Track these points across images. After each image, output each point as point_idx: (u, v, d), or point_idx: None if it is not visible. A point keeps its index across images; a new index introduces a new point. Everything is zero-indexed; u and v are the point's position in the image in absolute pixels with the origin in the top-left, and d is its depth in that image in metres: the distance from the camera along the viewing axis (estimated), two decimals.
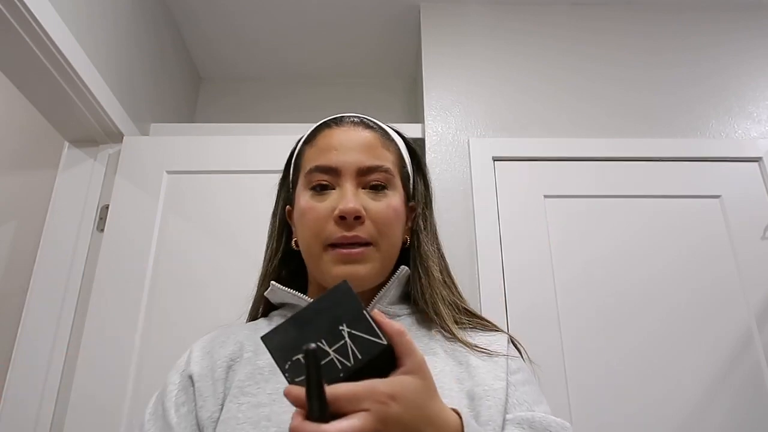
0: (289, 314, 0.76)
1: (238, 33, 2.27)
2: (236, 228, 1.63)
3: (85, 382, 1.43)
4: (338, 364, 0.45)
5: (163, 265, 1.58)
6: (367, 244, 0.70)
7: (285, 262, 0.80)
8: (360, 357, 0.45)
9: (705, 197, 1.75)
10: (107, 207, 1.64)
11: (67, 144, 1.72)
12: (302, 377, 0.43)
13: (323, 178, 0.72)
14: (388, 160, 0.75)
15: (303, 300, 0.73)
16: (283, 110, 2.41)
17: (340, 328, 0.46)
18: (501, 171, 1.78)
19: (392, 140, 0.79)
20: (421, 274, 0.75)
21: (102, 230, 1.61)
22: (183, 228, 1.63)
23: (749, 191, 1.76)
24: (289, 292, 0.74)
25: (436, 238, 0.81)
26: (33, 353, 1.47)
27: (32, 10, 1.23)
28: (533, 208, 1.72)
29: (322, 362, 0.44)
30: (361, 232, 0.69)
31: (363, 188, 0.72)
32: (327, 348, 0.45)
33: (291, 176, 0.81)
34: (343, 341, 0.45)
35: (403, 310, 0.76)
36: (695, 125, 1.91)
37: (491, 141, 1.84)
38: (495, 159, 1.79)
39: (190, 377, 0.68)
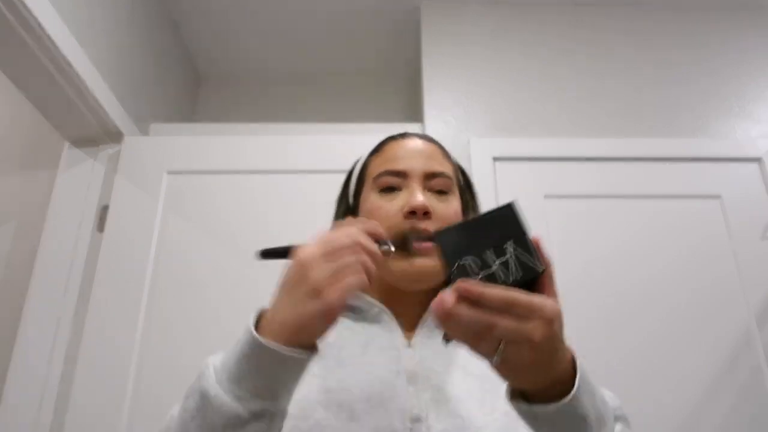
0: (348, 313, 0.77)
1: (238, 33, 2.27)
2: (236, 228, 1.63)
3: (85, 382, 1.43)
4: (499, 276, 0.48)
5: (163, 266, 1.58)
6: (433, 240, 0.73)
7: None
8: (521, 275, 0.48)
9: (705, 197, 1.75)
10: (107, 207, 1.64)
11: (67, 144, 1.71)
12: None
13: (392, 181, 0.77)
14: (449, 170, 0.80)
15: (366, 302, 0.75)
16: (283, 110, 2.41)
17: (506, 245, 0.49)
18: (501, 171, 1.78)
19: (449, 156, 0.84)
20: None
21: (102, 230, 1.61)
22: (183, 228, 1.63)
23: (749, 191, 1.76)
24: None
25: None
26: (33, 353, 1.47)
27: (32, 11, 1.23)
28: (533, 208, 1.72)
29: (488, 272, 0.48)
30: (430, 226, 0.72)
31: (429, 191, 0.76)
32: (494, 258, 0.48)
33: (354, 188, 0.84)
34: (506, 257, 0.49)
35: None
36: (695, 125, 1.91)
37: (491, 141, 1.83)
38: (495, 159, 1.79)
39: None
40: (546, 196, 1.74)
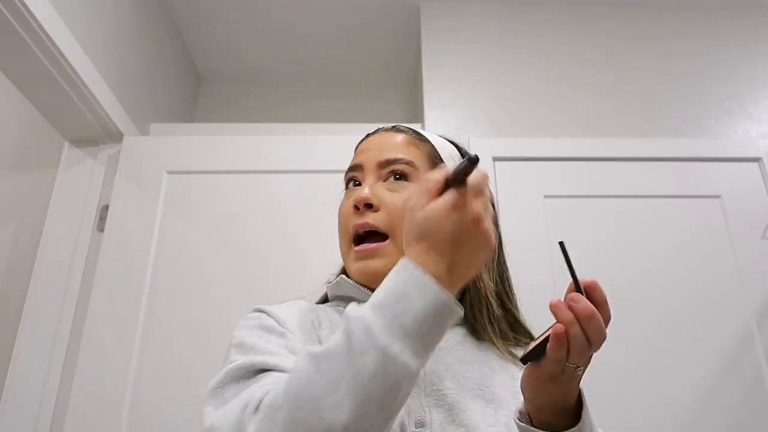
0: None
1: (238, 33, 2.26)
2: (237, 228, 1.63)
3: (85, 382, 1.43)
4: None
5: (163, 266, 1.58)
6: (384, 238, 0.71)
7: None
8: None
9: (705, 197, 1.75)
10: (107, 207, 1.64)
11: (67, 144, 1.71)
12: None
13: (352, 176, 0.79)
14: (411, 155, 0.76)
15: (365, 294, 0.72)
16: (283, 110, 2.41)
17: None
18: (501, 171, 1.78)
19: (425, 140, 0.80)
20: (469, 286, 0.74)
21: (102, 230, 1.61)
22: (183, 228, 1.63)
23: (749, 191, 1.76)
24: (354, 286, 0.74)
25: None
26: (33, 353, 1.47)
27: (32, 11, 1.23)
28: (533, 208, 1.72)
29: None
30: (371, 219, 0.72)
31: (384, 181, 0.75)
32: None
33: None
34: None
35: None
36: (695, 125, 1.91)
37: (491, 141, 1.83)
38: (495, 159, 1.79)
39: (278, 322, 0.66)
40: (546, 196, 1.74)
